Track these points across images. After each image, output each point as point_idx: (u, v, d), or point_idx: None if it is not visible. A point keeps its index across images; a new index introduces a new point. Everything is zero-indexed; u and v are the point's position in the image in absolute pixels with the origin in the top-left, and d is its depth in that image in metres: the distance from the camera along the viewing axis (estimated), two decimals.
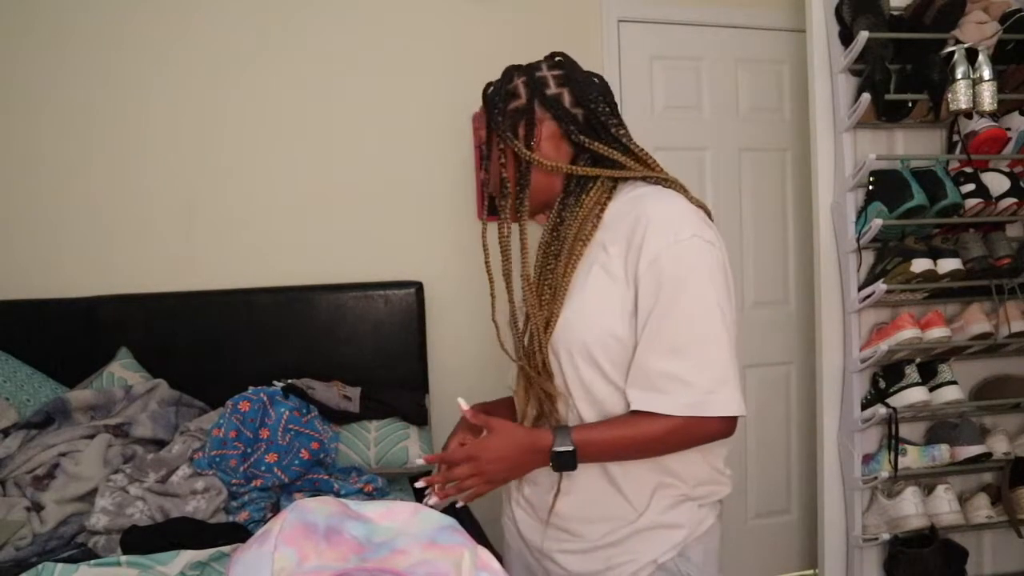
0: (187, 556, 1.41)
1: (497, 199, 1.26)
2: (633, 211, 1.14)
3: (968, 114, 2.02)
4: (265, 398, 1.96)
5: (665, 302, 1.07)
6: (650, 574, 1.17)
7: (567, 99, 1.20)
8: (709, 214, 1.19)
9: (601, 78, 1.26)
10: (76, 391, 2.02)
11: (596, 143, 1.20)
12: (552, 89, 1.21)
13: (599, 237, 1.17)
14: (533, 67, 1.25)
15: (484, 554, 0.60)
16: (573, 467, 1.12)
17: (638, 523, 1.17)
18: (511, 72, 1.27)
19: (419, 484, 1.19)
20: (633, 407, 1.10)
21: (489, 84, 1.31)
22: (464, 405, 1.20)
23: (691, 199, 1.18)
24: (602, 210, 1.19)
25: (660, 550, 1.17)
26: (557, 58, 1.26)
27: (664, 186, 1.20)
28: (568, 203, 1.22)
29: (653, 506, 1.17)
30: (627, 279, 1.11)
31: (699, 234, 1.09)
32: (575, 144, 1.21)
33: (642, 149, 1.23)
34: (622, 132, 1.23)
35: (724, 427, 1.09)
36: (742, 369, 1.12)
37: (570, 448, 1.11)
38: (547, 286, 1.21)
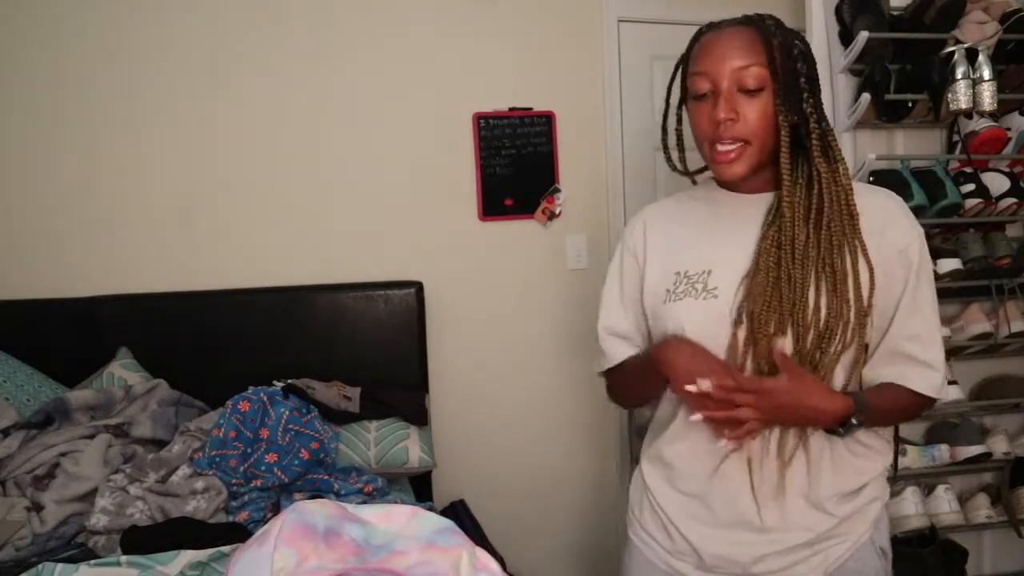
0: (187, 556, 1.41)
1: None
2: (864, 200, 1.14)
3: (968, 114, 2.01)
4: (265, 398, 1.96)
5: (912, 291, 1.14)
6: (852, 555, 1.17)
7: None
8: None
9: None
10: (76, 391, 2.02)
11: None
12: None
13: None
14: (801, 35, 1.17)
15: (483, 555, 0.60)
16: (850, 434, 1.13)
17: (851, 507, 1.18)
18: (787, 28, 1.16)
19: (691, 388, 1.07)
20: (889, 380, 1.15)
21: (755, 17, 1.16)
22: (778, 345, 1.10)
23: None
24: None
25: (862, 529, 1.19)
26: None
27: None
28: (811, 184, 1.14)
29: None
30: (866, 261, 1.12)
31: (923, 231, 1.17)
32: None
33: None
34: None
35: (929, 408, 1.20)
36: None
37: (863, 421, 1.11)
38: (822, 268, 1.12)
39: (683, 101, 1.25)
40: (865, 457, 1.19)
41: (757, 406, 1.06)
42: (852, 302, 1.10)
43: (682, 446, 1.22)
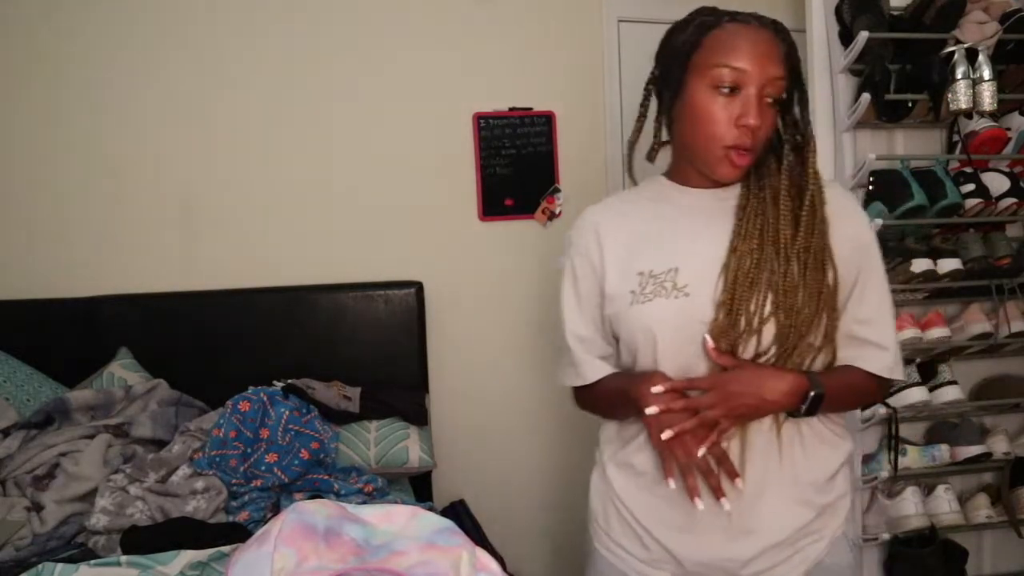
0: (187, 556, 1.41)
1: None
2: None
3: (968, 114, 2.01)
4: (265, 398, 1.96)
5: (864, 278, 1.17)
6: (829, 552, 1.18)
7: None
8: None
9: None
10: (76, 391, 2.02)
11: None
12: None
13: None
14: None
15: (483, 555, 0.60)
16: (814, 413, 1.13)
17: (826, 500, 1.19)
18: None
19: (650, 411, 1.10)
20: (844, 364, 1.17)
21: (775, 23, 1.15)
22: (710, 343, 1.11)
23: None
24: None
25: (836, 524, 1.19)
26: None
27: None
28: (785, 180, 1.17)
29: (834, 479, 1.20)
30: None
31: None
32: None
33: None
34: None
35: (887, 391, 1.24)
36: None
37: (822, 391, 1.11)
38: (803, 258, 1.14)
39: (662, 85, 1.22)
40: (830, 444, 1.20)
41: (717, 402, 1.08)
42: (825, 295, 1.12)
43: (652, 452, 1.18)
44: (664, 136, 1.27)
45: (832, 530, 1.19)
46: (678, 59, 1.17)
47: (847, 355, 1.17)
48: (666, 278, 1.15)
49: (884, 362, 1.17)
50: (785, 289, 1.10)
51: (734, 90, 1.10)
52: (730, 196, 1.19)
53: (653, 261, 1.17)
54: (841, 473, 1.21)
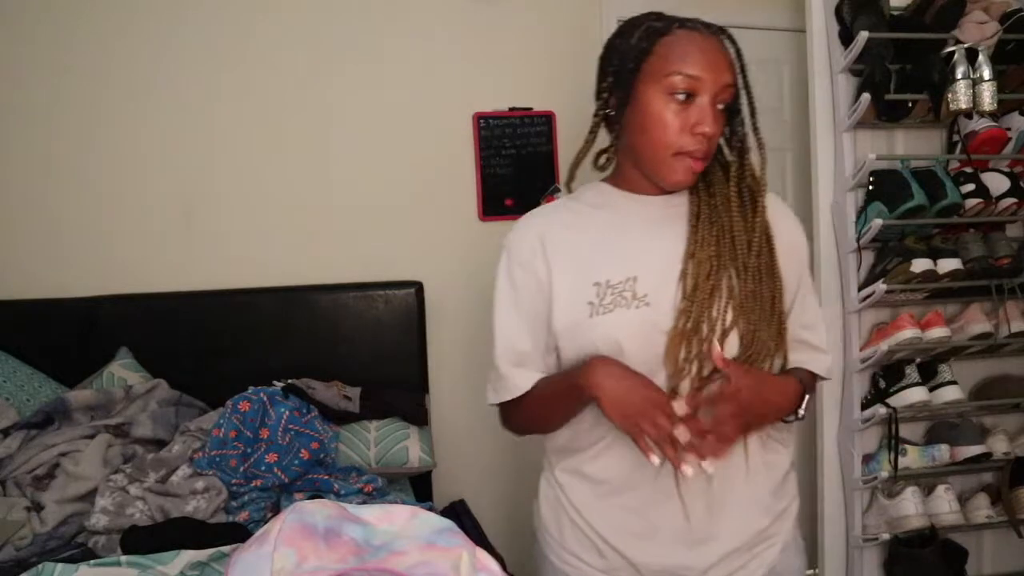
0: (187, 556, 1.41)
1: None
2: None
3: (968, 114, 2.02)
4: (265, 398, 1.96)
5: (804, 284, 1.23)
6: (782, 556, 1.19)
7: None
8: None
9: None
10: (76, 391, 2.02)
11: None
12: None
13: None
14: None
15: (483, 555, 0.60)
16: (804, 417, 1.17)
17: (780, 505, 1.20)
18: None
19: (679, 407, 1.04)
20: (792, 366, 1.20)
21: (721, 29, 1.14)
22: (717, 348, 1.07)
23: None
24: None
25: (788, 527, 1.21)
26: None
27: None
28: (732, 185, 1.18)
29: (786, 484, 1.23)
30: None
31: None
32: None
33: None
34: None
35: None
36: None
37: (811, 394, 1.18)
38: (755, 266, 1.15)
39: (610, 92, 1.19)
40: (777, 451, 1.21)
41: (737, 413, 1.04)
42: (778, 299, 1.14)
43: (611, 460, 1.16)
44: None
45: (784, 534, 1.20)
46: (627, 65, 1.15)
47: (795, 358, 1.19)
48: (625, 287, 1.12)
49: (826, 363, 1.24)
50: (745, 295, 1.10)
51: (689, 97, 1.09)
52: (680, 203, 1.18)
53: (610, 271, 1.14)
54: (789, 477, 1.23)
